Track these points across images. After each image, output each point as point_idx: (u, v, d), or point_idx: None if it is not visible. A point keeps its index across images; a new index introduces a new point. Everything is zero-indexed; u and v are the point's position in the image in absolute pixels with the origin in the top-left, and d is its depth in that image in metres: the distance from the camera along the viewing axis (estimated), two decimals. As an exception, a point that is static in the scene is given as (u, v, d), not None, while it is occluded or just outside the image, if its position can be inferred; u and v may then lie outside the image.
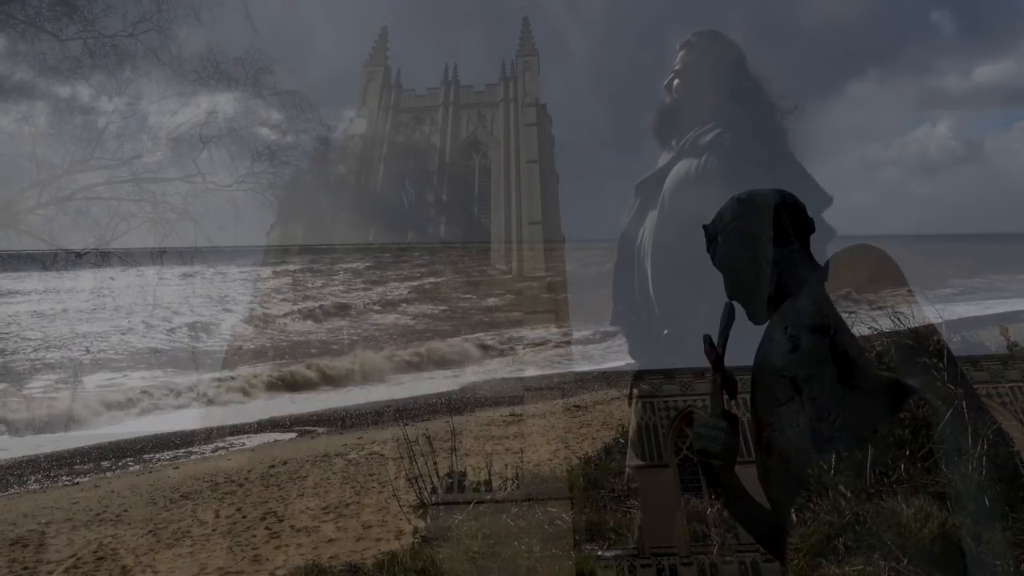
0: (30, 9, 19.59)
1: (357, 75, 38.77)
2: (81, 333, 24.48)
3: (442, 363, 22.53)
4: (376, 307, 31.48)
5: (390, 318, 30.21)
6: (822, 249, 2.56)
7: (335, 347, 25.00)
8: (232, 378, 19.01)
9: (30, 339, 23.74)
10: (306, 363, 21.00)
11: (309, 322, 28.58)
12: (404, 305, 31.99)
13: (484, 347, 24.42)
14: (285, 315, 28.89)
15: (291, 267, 36.79)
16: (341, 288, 34.81)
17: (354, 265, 37.92)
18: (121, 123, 24.26)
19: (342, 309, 30.76)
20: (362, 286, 35.29)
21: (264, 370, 20.17)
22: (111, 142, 23.83)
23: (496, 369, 21.84)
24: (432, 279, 35.44)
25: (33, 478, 11.48)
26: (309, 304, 30.82)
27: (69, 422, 15.15)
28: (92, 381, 19.51)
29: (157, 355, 22.62)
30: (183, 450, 12.93)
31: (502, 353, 23.80)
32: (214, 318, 28.32)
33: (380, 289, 34.45)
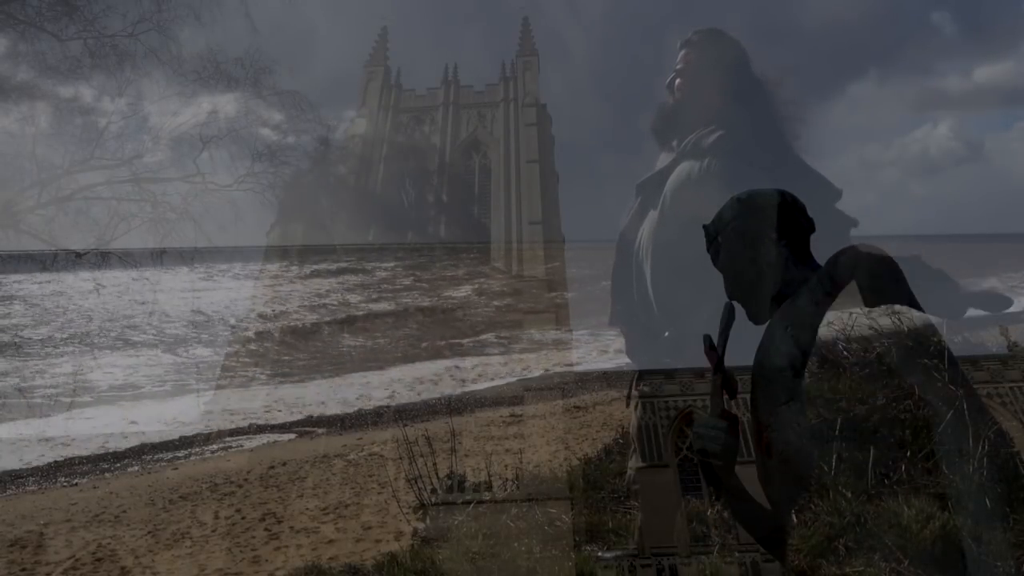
0: (30, 9, 19.58)
1: (357, 75, 38.75)
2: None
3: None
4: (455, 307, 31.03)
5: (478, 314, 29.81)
6: (846, 238, 2.55)
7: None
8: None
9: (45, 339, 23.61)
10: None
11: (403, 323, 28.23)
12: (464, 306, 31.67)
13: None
14: (383, 315, 28.67)
15: (326, 267, 36.67)
16: (393, 288, 34.57)
17: (387, 265, 37.80)
18: (121, 123, 24.20)
19: (422, 311, 30.37)
20: (410, 285, 35.06)
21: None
22: (111, 142, 23.77)
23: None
24: (480, 280, 35.11)
25: (32, 479, 11.45)
26: (385, 306, 30.65)
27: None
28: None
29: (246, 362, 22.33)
30: (182, 451, 12.91)
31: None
32: (301, 321, 27.75)
33: (441, 288, 34.13)
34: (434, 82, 38.62)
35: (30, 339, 23.50)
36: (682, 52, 8.58)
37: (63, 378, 19.21)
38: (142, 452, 12.75)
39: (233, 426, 14.53)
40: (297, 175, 29.92)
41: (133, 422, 14.57)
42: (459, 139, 37.46)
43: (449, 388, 18.02)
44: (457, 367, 21.47)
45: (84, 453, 12.64)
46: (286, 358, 23.43)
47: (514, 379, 19.06)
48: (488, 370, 20.76)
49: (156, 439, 13.41)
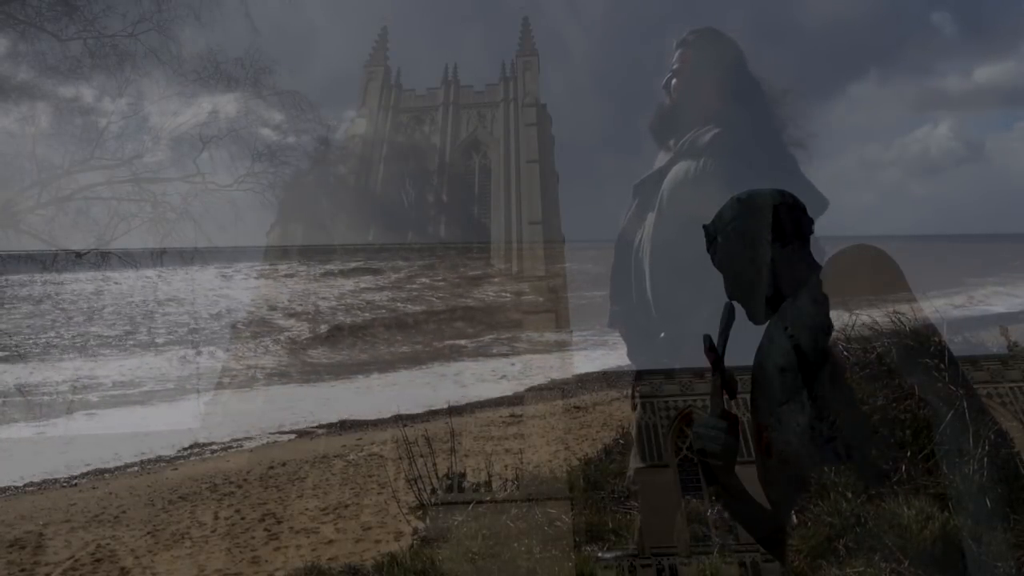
0: (30, 9, 19.59)
1: (357, 75, 38.79)
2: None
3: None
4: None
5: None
6: (817, 255, 2.56)
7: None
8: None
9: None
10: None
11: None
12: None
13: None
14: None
15: (334, 267, 36.63)
16: (410, 288, 34.42)
17: (397, 264, 37.73)
18: (121, 123, 24.22)
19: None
20: (429, 284, 34.89)
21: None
22: (111, 142, 23.80)
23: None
24: (493, 281, 34.85)
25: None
26: (413, 307, 30.53)
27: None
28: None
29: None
30: (183, 451, 12.89)
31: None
32: (324, 323, 27.35)
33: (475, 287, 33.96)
34: (434, 82, 38.66)
35: (50, 339, 23.43)
36: (678, 52, 8.55)
37: (105, 378, 19.12)
38: (193, 449, 12.78)
39: (275, 427, 14.47)
40: (297, 175, 29.95)
41: (137, 433, 14.44)
42: (459, 139, 37.46)
43: (475, 390, 17.87)
44: (477, 368, 21.41)
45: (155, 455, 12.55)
46: (317, 360, 23.35)
47: (540, 379, 18.96)
48: (508, 371, 20.73)
49: (203, 439, 13.37)
